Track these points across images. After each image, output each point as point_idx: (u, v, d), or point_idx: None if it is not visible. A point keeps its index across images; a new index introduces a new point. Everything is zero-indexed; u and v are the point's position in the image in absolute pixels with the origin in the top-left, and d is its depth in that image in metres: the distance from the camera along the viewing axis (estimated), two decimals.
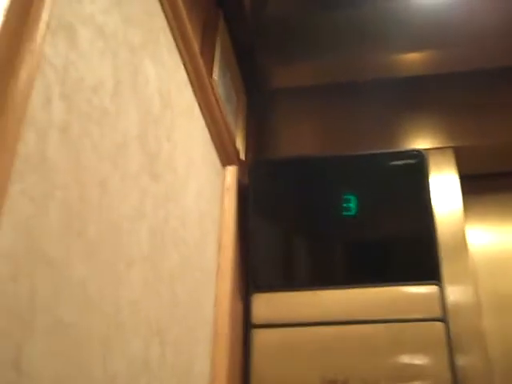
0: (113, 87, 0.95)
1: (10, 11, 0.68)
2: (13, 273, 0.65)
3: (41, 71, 0.74)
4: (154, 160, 1.12)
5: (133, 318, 0.97)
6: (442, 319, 1.60)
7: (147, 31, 1.15)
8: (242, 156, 1.83)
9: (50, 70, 0.76)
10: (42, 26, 0.73)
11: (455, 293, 1.71)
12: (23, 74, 0.69)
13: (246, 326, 1.66)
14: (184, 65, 1.35)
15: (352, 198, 1.78)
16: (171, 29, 1.28)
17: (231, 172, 1.68)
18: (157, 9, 1.22)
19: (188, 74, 1.38)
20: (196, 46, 1.38)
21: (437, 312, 1.62)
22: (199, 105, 1.45)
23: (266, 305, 1.69)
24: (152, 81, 1.14)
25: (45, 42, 0.74)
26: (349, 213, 1.77)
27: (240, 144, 1.82)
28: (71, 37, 0.83)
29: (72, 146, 0.80)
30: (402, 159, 1.85)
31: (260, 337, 1.65)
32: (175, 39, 1.30)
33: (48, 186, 0.74)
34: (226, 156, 1.65)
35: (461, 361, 1.60)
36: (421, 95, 2.05)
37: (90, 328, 0.81)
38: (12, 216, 0.66)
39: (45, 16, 0.74)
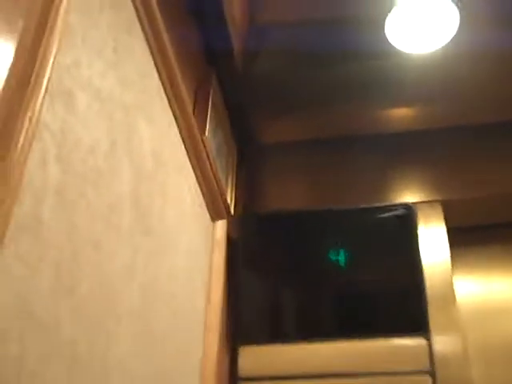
0: (108, 148, 0.99)
1: (10, 79, 0.71)
2: (2, 336, 0.67)
3: (38, 136, 0.77)
4: (145, 216, 1.15)
5: (119, 376, 0.98)
6: (430, 372, 1.61)
7: (141, 92, 1.19)
8: (232, 210, 1.87)
9: (47, 135, 0.80)
10: (40, 93, 0.77)
11: (443, 344, 1.72)
12: (21, 140, 0.72)
13: (233, 379, 1.67)
14: (177, 123, 1.40)
15: (341, 251, 1.81)
16: (165, 89, 1.33)
17: (221, 226, 1.72)
18: (151, 69, 1.27)
19: (181, 133, 1.42)
20: (189, 105, 1.43)
21: (424, 364, 1.63)
22: (191, 162, 1.50)
23: (253, 358, 1.70)
24: (146, 139, 1.18)
25: (43, 108, 0.78)
26: (337, 266, 1.80)
27: (231, 199, 1.86)
28: (69, 101, 0.87)
29: (67, 206, 0.83)
30: (391, 212, 1.88)
31: None
32: (169, 99, 1.35)
33: (41, 247, 0.76)
34: (216, 211, 1.69)
35: None
36: (408, 150, 2.10)
37: None
38: (3, 278, 0.68)
39: (44, 82, 0.77)
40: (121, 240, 1.02)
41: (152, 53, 1.26)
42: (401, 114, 2.10)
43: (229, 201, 1.83)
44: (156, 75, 1.29)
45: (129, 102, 1.11)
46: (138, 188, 1.12)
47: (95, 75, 0.96)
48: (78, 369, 0.83)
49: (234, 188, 1.94)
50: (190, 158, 1.50)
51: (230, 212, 1.82)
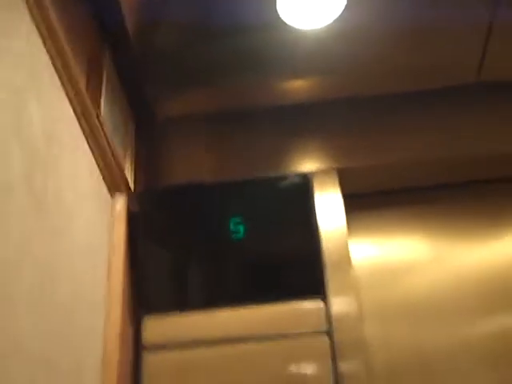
0: None
1: None
2: None
3: None
4: (40, 197, 1.16)
5: (17, 354, 1.00)
6: (327, 332, 1.70)
7: (30, 72, 1.18)
8: (132, 185, 1.88)
9: None
10: None
11: (339, 305, 1.80)
12: None
13: (137, 349, 1.70)
14: (70, 102, 1.39)
15: (240, 221, 1.87)
16: (55, 67, 1.32)
17: (119, 201, 1.73)
18: (39, 48, 1.25)
19: (74, 111, 1.42)
20: (82, 83, 1.43)
21: (322, 325, 1.72)
22: (87, 139, 1.50)
23: (157, 327, 1.74)
24: (36, 120, 1.18)
25: None
26: (237, 236, 1.85)
27: (130, 173, 1.87)
28: None
29: None
30: (288, 182, 1.95)
31: (151, 360, 1.69)
32: (60, 77, 1.34)
33: None
34: (115, 186, 1.70)
35: (344, 369, 1.70)
36: (305, 121, 2.16)
37: None
38: None
39: None
40: (12, 223, 1.02)
41: (39, 30, 1.23)
42: (297, 86, 2.15)
43: (128, 176, 1.84)
44: (45, 54, 1.27)
45: (17, 83, 1.10)
46: (30, 169, 1.12)
47: None
48: None
49: (133, 163, 1.95)
50: (85, 135, 1.50)
51: (129, 187, 1.83)
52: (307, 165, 2.09)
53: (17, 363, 0.99)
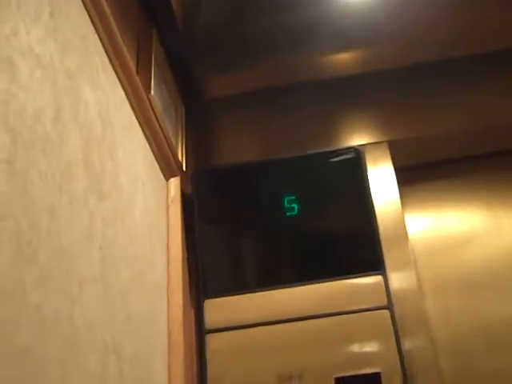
0: (54, 115, 0.98)
1: None
2: None
3: None
4: (99, 181, 1.15)
5: (89, 337, 1.00)
6: (388, 307, 1.68)
7: (83, 55, 1.18)
8: (185, 167, 1.87)
9: None
10: None
11: (398, 280, 1.78)
12: None
13: (200, 332, 1.70)
14: (121, 84, 1.39)
15: (293, 198, 1.85)
16: (106, 50, 1.31)
17: (174, 184, 1.73)
18: (90, 31, 1.25)
19: (126, 93, 1.41)
20: (131, 64, 1.42)
21: (382, 300, 1.69)
22: (139, 121, 1.49)
23: (218, 310, 1.74)
24: (91, 103, 1.18)
25: None
26: (291, 213, 1.83)
27: (182, 155, 1.86)
28: (10, 70, 0.86)
29: (18, 176, 0.83)
30: (339, 157, 1.92)
31: (214, 341, 1.69)
32: (110, 60, 1.33)
33: None
34: (169, 169, 1.69)
35: (407, 345, 1.68)
36: (355, 94, 2.13)
37: (46, 350, 0.85)
38: None
39: None
40: (76, 206, 1.03)
41: (89, 14, 1.24)
42: (344, 59, 2.12)
43: (180, 158, 1.84)
44: (96, 37, 1.27)
45: (71, 67, 1.10)
46: (88, 153, 1.12)
47: (34, 42, 0.95)
48: (47, 331, 0.85)
49: (184, 144, 1.94)
50: (137, 117, 1.49)
51: (182, 169, 1.83)
52: (358, 139, 2.06)
53: (88, 346, 0.99)
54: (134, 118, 1.47)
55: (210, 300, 1.75)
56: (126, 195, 1.32)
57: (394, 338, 1.63)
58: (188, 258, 1.73)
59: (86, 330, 0.99)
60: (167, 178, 1.72)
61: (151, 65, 1.60)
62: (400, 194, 1.94)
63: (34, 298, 0.83)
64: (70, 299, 0.95)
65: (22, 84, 0.89)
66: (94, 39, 1.26)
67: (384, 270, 1.73)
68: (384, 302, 1.69)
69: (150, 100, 1.52)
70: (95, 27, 1.26)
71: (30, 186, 0.87)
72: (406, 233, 1.88)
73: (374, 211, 1.82)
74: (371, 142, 2.04)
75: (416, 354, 1.68)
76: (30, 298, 0.82)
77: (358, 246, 1.80)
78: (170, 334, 1.50)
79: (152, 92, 1.54)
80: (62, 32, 1.07)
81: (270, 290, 1.74)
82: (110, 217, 1.19)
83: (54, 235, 0.93)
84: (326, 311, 1.69)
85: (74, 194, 1.03)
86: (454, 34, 2.03)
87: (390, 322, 1.66)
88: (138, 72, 1.49)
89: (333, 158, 1.93)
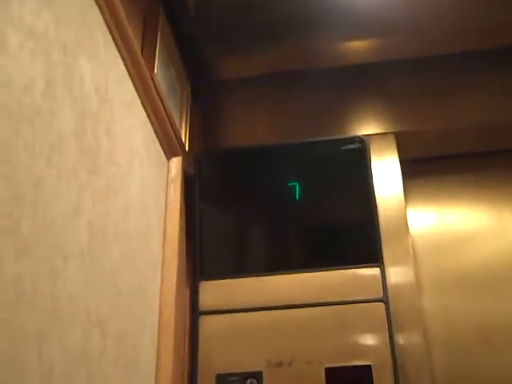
0: (44, 87, 0.98)
1: None
2: None
3: None
4: (92, 155, 1.15)
5: (70, 311, 1.00)
6: (383, 300, 1.66)
7: (81, 29, 1.17)
8: (188, 148, 1.86)
9: None
10: None
11: (396, 274, 1.77)
12: None
13: (194, 313, 1.70)
14: (123, 60, 1.38)
15: (295, 184, 1.83)
16: (108, 25, 1.30)
17: (176, 163, 1.72)
18: (91, 5, 1.24)
19: (128, 70, 1.40)
20: (135, 42, 1.41)
21: (378, 293, 1.68)
22: (141, 99, 1.48)
23: (213, 292, 1.73)
24: (88, 78, 1.17)
25: None
26: (292, 199, 1.82)
27: (185, 136, 1.85)
28: (0, 40, 0.85)
29: (1, 146, 0.83)
30: (344, 145, 1.90)
31: (207, 323, 1.69)
32: (113, 35, 1.32)
33: None
34: (170, 148, 1.69)
35: (401, 339, 1.67)
36: (362, 83, 2.11)
37: (23, 322, 0.85)
38: None
39: None
40: (65, 180, 1.02)
41: None
42: (356, 47, 2.09)
43: (183, 138, 1.83)
44: (97, 11, 1.26)
45: (67, 40, 1.09)
46: (82, 127, 1.11)
47: (27, 13, 0.94)
48: (23, 303, 0.85)
49: (188, 125, 1.93)
50: (139, 95, 1.48)
51: (185, 149, 1.82)
52: (364, 128, 2.04)
53: (69, 320, 0.99)
54: (136, 95, 1.46)
55: (206, 282, 1.75)
56: (122, 171, 1.32)
57: (387, 331, 1.62)
58: (187, 239, 1.73)
59: (67, 303, 0.99)
60: (169, 158, 1.71)
61: (156, 43, 1.58)
62: (404, 186, 1.93)
63: (12, 270, 0.83)
64: (53, 272, 0.95)
65: (11, 55, 0.88)
66: (95, 13, 1.25)
67: (382, 262, 1.72)
68: (380, 294, 1.68)
69: (153, 78, 1.51)
70: (97, 1, 1.25)
71: (15, 156, 0.86)
72: (407, 227, 1.86)
73: (375, 203, 1.80)
74: (378, 132, 2.02)
75: (408, 349, 1.67)
76: (7, 268, 0.82)
77: (356, 237, 1.79)
78: (161, 313, 1.50)
79: (156, 70, 1.53)
80: (59, 4, 1.06)
81: (267, 275, 1.74)
82: (102, 192, 1.19)
83: (40, 207, 0.92)
84: (321, 300, 1.69)
85: (64, 167, 1.02)
86: (470, 27, 1.99)
87: (385, 315, 1.65)
88: (142, 50, 1.49)
89: (337, 146, 1.91)
